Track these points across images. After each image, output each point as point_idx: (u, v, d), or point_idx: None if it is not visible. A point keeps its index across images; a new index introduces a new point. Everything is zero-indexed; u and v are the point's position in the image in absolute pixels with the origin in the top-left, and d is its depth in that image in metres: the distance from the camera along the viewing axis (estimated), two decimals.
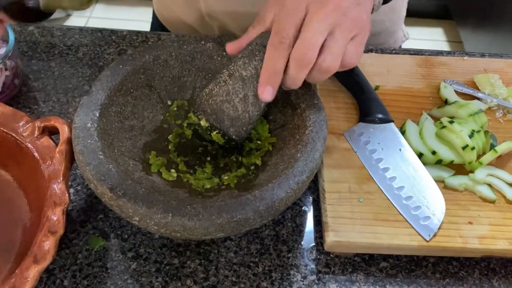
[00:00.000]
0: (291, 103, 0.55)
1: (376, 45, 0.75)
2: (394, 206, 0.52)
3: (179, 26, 0.80)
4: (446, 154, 0.56)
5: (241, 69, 0.50)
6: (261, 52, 0.49)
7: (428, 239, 0.49)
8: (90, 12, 2.21)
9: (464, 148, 0.54)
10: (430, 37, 2.14)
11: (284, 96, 0.56)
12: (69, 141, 0.48)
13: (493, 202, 0.53)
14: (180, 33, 0.77)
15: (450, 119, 0.57)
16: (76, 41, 0.73)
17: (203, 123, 0.53)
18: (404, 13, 0.83)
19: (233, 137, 0.53)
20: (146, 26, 0.92)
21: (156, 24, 0.87)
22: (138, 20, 2.16)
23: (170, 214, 0.42)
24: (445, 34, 2.15)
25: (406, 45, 0.89)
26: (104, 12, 2.22)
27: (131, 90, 0.55)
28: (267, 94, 0.47)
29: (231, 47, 0.51)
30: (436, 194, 0.52)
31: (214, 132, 0.53)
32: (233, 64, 0.51)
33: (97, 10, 2.23)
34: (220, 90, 0.51)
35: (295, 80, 0.47)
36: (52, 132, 0.51)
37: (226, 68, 0.51)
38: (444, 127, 0.57)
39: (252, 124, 0.52)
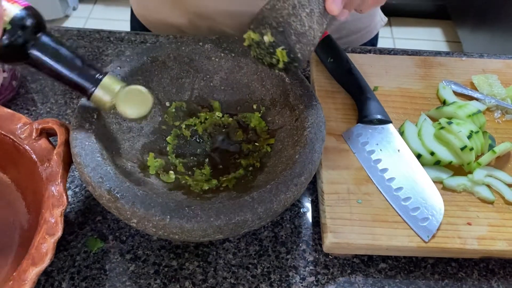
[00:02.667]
0: (290, 105, 0.55)
1: (360, 29, 0.76)
2: (393, 207, 0.52)
3: (163, 28, 0.79)
4: (444, 155, 0.56)
5: None
6: None
7: (427, 240, 0.49)
8: (88, 13, 2.21)
9: (462, 149, 0.54)
10: (428, 37, 2.14)
11: (282, 97, 0.56)
12: (67, 143, 0.48)
13: (491, 203, 0.53)
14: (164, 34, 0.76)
15: (448, 120, 0.57)
16: (75, 42, 0.73)
17: (267, 38, 0.48)
18: None
19: (298, 55, 0.48)
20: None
21: (136, 26, 0.85)
22: None
23: (168, 216, 0.42)
24: (443, 34, 2.15)
25: (405, 45, 0.89)
26: (103, 13, 2.22)
27: None
28: (336, 5, 0.46)
29: None
30: (434, 195, 0.52)
31: (280, 48, 0.48)
32: None
33: (95, 11, 2.23)
34: (285, 4, 0.47)
35: None
36: (50, 134, 0.51)
37: None
38: (442, 128, 0.57)
39: (314, 45, 0.49)
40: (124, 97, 0.46)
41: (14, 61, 0.45)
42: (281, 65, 0.50)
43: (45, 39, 0.45)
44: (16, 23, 0.43)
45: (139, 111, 0.47)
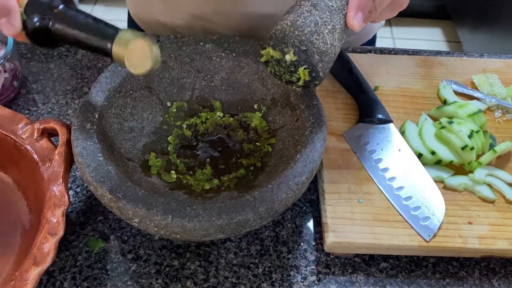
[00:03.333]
0: (291, 104, 0.55)
1: (358, 32, 0.76)
2: (394, 206, 0.52)
3: (159, 29, 0.79)
4: (445, 154, 0.56)
5: None
6: None
7: (428, 240, 0.49)
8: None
9: (463, 148, 0.55)
10: (428, 37, 2.14)
11: (283, 97, 0.56)
12: (69, 143, 0.48)
13: (492, 202, 0.53)
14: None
15: (449, 119, 0.57)
16: None
17: (289, 57, 0.46)
18: None
19: (320, 73, 0.47)
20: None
21: (133, 27, 0.86)
22: None
23: (170, 216, 0.42)
24: (443, 34, 2.16)
25: (405, 45, 0.89)
26: (103, 14, 2.22)
27: (130, 92, 0.55)
28: (357, 20, 0.45)
29: None
30: (435, 195, 0.52)
31: (302, 68, 0.46)
32: None
33: (96, 11, 2.23)
34: (307, 21, 0.45)
35: (376, 11, 0.46)
36: (51, 134, 0.51)
37: None
38: (443, 127, 0.57)
39: (332, 62, 0.48)
40: (129, 52, 0.43)
41: (46, 43, 0.46)
42: (301, 83, 0.48)
43: (61, 12, 0.45)
44: (30, 11, 0.44)
45: (142, 66, 0.43)
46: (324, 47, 0.46)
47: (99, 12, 2.23)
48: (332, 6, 0.46)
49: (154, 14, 0.78)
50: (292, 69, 0.47)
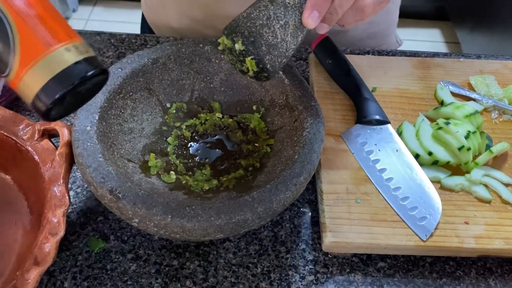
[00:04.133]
0: (289, 105, 0.55)
1: (372, 48, 0.76)
2: (391, 206, 0.52)
3: (170, 33, 0.80)
4: (442, 155, 0.56)
5: None
6: None
7: (425, 239, 0.50)
8: (88, 15, 2.22)
9: (460, 149, 0.55)
10: (427, 38, 2.14)
11: (281, 98, 0.57)
12: (69, 144, 0.49)
13: (489, 202, 0.53)
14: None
15: (446, 120, 0.58)
16: None
17: (238, 46, 0.50)
18: (396, 18, 0.84)
19: (268, 66, 0.49)
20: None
21: (146, 30, 0.86)
22: (137, 23, 2.17)
23: (169, 216, 0.42)
24: (442, 35, 2.16)
25: (403, 46, 0.89)
26: (103, 15, 2.22)
27: (130, 93, 0.55)
28: (312, 19, 0.45)
29: None
30: (432, 195, 0.53)
31: (249, 58, 0.49)
32: None
33: (95, 12, 2.23)
34: (260, 14, 0.48)
35: (337, 13, 0.46)
36: (52, 135, 0.51)
37: None
38: (440, 128, 0.57)
39: (286, 58, 0.49)
40: None
41: None
42: (251, 73, 0.51)
43: None
44: None
45: None
46: (274, 40, 0.48)
47: (99, 13, 2.23)
48: (289, 3, 0.47)
49: (166, 20, 0.78)
50: (241, 58, 0.50)
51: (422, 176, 0.54)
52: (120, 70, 0.55)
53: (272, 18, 0.48)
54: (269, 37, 0.48)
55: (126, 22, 2.17)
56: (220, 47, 0.52)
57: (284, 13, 0.47)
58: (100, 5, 2.27)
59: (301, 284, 0.50)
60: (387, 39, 0.84)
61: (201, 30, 0.76)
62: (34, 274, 0.42)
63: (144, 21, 0.88)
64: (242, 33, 0.49)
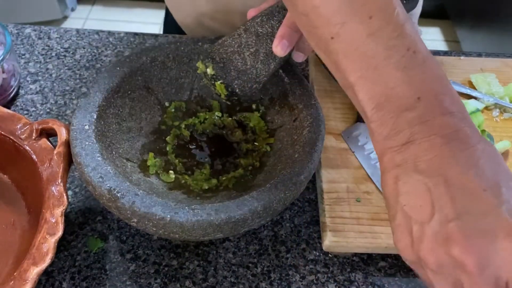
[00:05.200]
0: (289, 104, 0.55)
1: None
2: None
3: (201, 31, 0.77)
4: None
5: (258, 25, 0.50)
6: (280, 14, 0.48)
7: None
8: (87, 14, 2.21)
9: None
10: (427, 36, 2.14)
11: (281, 96, 0.56)
12: (67, 143, 0.48)
13: None
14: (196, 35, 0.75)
15: None
16: (74, 43, 0.73)
17: (209, 70, 0.53)
18: (419, 9, 0.82)
19: (237, 90, 0.52)
20: (143, 28, 0.92)
21: (172, 29, 0.83)
22: (136, 21, 2.16)
23: (168, 216, 0.42)
24: (442, 34, 2.16)
25: None
26: (101, 14, 2.22)
27: (129, 92, 0.55)
28: (281, 47, 0.47)
29: (252, 12, 0.51)
30: None
31: (219, 82, 0.53)
32: (250, 20, 0.51)
33: (94, 12, 2.23)
34: (233, 42, 0.51)
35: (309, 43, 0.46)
36: (50, 134, 0.51)
37: (243, 24, 0.51)
38: None
39: (257, 83, 0.52)
40: None
41: None
42: (223, 96, 0.54)
43: None
44: None
45: None
46: (243, 66, 0.51)
47: (98, 12, 2.22)
48: (261, 32, 0.50)
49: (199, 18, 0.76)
50: (213, 82, 0.53)
51: None
52: (118, 69, 0.54)
53: (243, 46, 0.51)
54: (239, 63, 0.51)
55: (125, 21, 2.17)
56: (198, 71, 0.55)
57: (256, 42, 0.50)
58: (99, 4, 2.26)
59: (302, 284, 0.50)
60: None
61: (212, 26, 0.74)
62: (32, 275, 0.41)
63: (166, 19, 0.86)
64: (213, 59, 0.53)
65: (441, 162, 0.32)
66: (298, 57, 0.51)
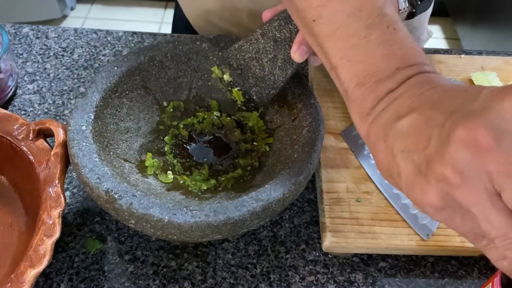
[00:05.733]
0: (288, 103, 0.55)
1: None
2: (392, 205, 0.52)
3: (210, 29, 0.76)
4: None
5: (275, 30, 0.49)
6: None
7: (426, 239, 0.49)
8: (86, 13, 2.21)
9: None
10: None
11: (280, 96, 0.56)
12: (64, 144, 0.48)
13: None
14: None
15: None
16: (71, 42, 0.72)
17: (226, 77, 0.53)
18: (429, 10, 0.81)
19: (254, 97, 0.52)
20: (143, 26, 0.91)
21: (182, 28, 0.83)
22: (136, 20, 2.16)
23: (166, 217, 0.41)
24: (442, 31, 2.15)
25: None
26: (101, 13, 2.21)
27: (127, 92, 0.55)
28: (300, 53, 0.46)
29: (267, 13, 0.50)
30: None
31: (236, 89, 0.52)
32: (267, 24, 0.50)
33: (93, 11, 2.22)
34: (250, 47, 0.50)
35: None
36: (47, 135, 0.51)
37: (259, 27, 0.50)
38: None
39: (274, 89, 0.51)
40: None
41: None
42: (239, 102, 0.54)
43: None
44: None
45: None
46: (261, 73, 0.50)
47: (97, 11, 2.22)
48: (279, 38, 0.49)
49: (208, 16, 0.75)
50: (230, 88, 0.52)
51: None
52: (116, 68, 0.54)
53: (261, 52, 0.50)
54: (257, 70, 0.51)
55: (125, 20, 2.16)
56: (213, 75, 0.55)
57: (274, 47, 0.49)
58: (98, 3, 2.26)
59: (301, 285, 0.49)
60: (417, 31, 0.79)
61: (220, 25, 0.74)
62: (29, 277, 0.41)
63: (175, 18, 0.85)
64: (230, 65, 0.52)
65: (418, 99, 0.32)
66: (315, 61, 0.50)
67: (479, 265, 0.51)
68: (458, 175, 0.28)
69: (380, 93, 0.34)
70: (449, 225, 0.31)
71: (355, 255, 0.52)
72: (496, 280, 0.39)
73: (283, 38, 0.49)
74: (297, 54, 0.47)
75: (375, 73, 0.34)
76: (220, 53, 0.55)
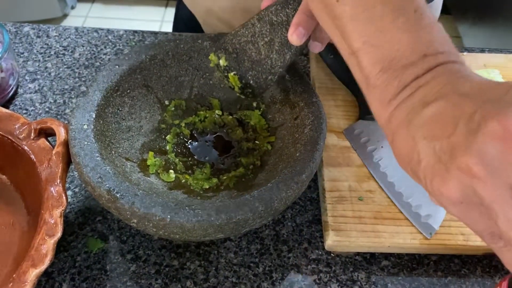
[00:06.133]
0: (290, 102, 0.54)
1: None
2: (395, 204, 0.51)
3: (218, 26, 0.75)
4: None
5: (272, 14, 0.48)
6: (296, 2, 0.47)
7: (429, 237, 0.49)
8: (87, 12, 2.20)
9: None
10: None
11: (282, 94, 0.56)
12: (66, 143, 0.48)
13: None
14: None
15: None
16: (72, 41, 0.72)
17: (222, 62, 0.52)
18: (439, 7, 0.80)
19: (251, 81, 0.51)
20: (144, 25, 0.91)
21: (182, 27, 0.82)
22: (136, 19, 2.15)
23: (168, 216, 0.41)
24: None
25: None
26: (101, 12, 2.21)
27: (128, 90, 0.54)
28: (297, 35, 0.45)
29: (266, 2, 0.49)
30: None
31: (232, 74, 0.51)
32: (264, 10, 0.49)
33: (94, 9, 2.22)
34: (246, 31, 0.50)
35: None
36: (48, 134, 0.50)
37: (257, 13, 0.50)
38: None
39: (272, 75, 0.50)
40: None
41: None
42: (236, 89, 0.53)
43: None
44: None
45: None
46: (257, 57, 0.50)
47: (98, 10, 2.22)
48: (276, 21, 0.48)
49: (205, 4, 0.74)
50: (226, 74, 0.52)
51: None
52: (117, 67, 0.54)
53: (257, 35, 0.49)
54: (253, 53, 0.50)
55: (125, 18, 2.16)
56: (211, 64, 0.55)
57: (270, 31, 0.48)
58: (99, 1, 2.25)
59: (304, 284, 0.49)
60: None
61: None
62: (31, 276, 0.41)
63: (177, 17, 0.85)
64: (226, 49, 0.51)
65: (446, 87, 0.30)
66: (315, 47, 0.49)
67: (482, 263, 0.51)
68: (483, 168, 0.26)
69: (406, 79, 0.32)
70: (464, 221, 0.30)
71: (358, 253, 0.51)
72: (504, 284, 0.38)
73: (280, 21, 0.48)
74: (294, 36, 0.45)
75: (400, 59, 0.33)
76: (205, 45, 0.55)
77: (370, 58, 0.34)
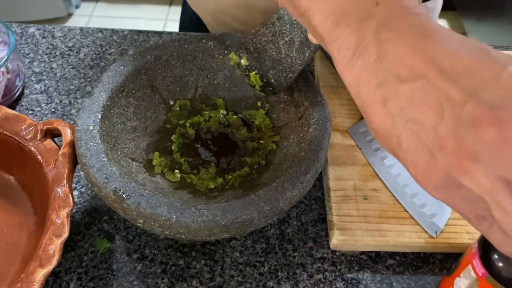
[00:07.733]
0: (294, 101, 0.54)
1: None
2: (400, 203, 0.51)
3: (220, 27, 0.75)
4: None
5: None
6: None
7: (434, 236, 0.49)
8: (91, 11, 2.21)
9: None
10: None
11: (287, 94, 0.56)
12: (72, 144, 0.48)
13: None
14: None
15: None
16: (78, 41, 0.73)
17: (243, 61, 0.53)
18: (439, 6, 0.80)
19: (272, 80, 0.52)
20: (148, 24, 0.91)
21: (189, 25, 0.83)
22: (141, 18, 2.16)
23: (174, 216, 0.41)
24: (449, 26, 2.14)
25: None
26: (106, 11, 2.22)
27: (133, 91, 0.55)
28: None
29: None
30: None
31: (253, 73, 0.53)
32: (283, 9, 0.50)
33: (98, 9, 2.23)
34: (267, 31, 0.51)
35: None
36: (54, 134, 0.51)
37: (277, 12, 0.50)
38: None
39: (292, 73, 0.51)
40: None
41: None
42: (257, 87, 0.54)
43: None
44: None
45: None
46: (278, 56, 0.51)
47: (102, 9, 2.22)
48: (295, 21, 0.48)
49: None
50: (247, 73, 0.53)
51: None
52: (122, 67, 0.54)
53: (277, 35, 0.50)
54: (273, 52, 0.51)
55: (129, 17, 2.17)
56: (231, 63, 0.56)
57: (290, 30, 0.49)
58: (103, 1, 2.26)
59: (309, 283, 0.49)
60: None
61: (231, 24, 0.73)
62: (39, 276, 0.41)
63: (183, 16, 0.85)
64: (247, 49, 0.53)
65: (422, 59, 0.28)
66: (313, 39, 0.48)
67: None
68: (474, 163, 0.25)
69: (364, 36, 0.30)
70: (447, 203, 0.29)
71: (363, 252, 0.51)
72: (476, 262, 0.39)
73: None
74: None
75: (352, 9, 0.31)
76: (209, 45, 0.55)
77: (321, 12, 0.32)
